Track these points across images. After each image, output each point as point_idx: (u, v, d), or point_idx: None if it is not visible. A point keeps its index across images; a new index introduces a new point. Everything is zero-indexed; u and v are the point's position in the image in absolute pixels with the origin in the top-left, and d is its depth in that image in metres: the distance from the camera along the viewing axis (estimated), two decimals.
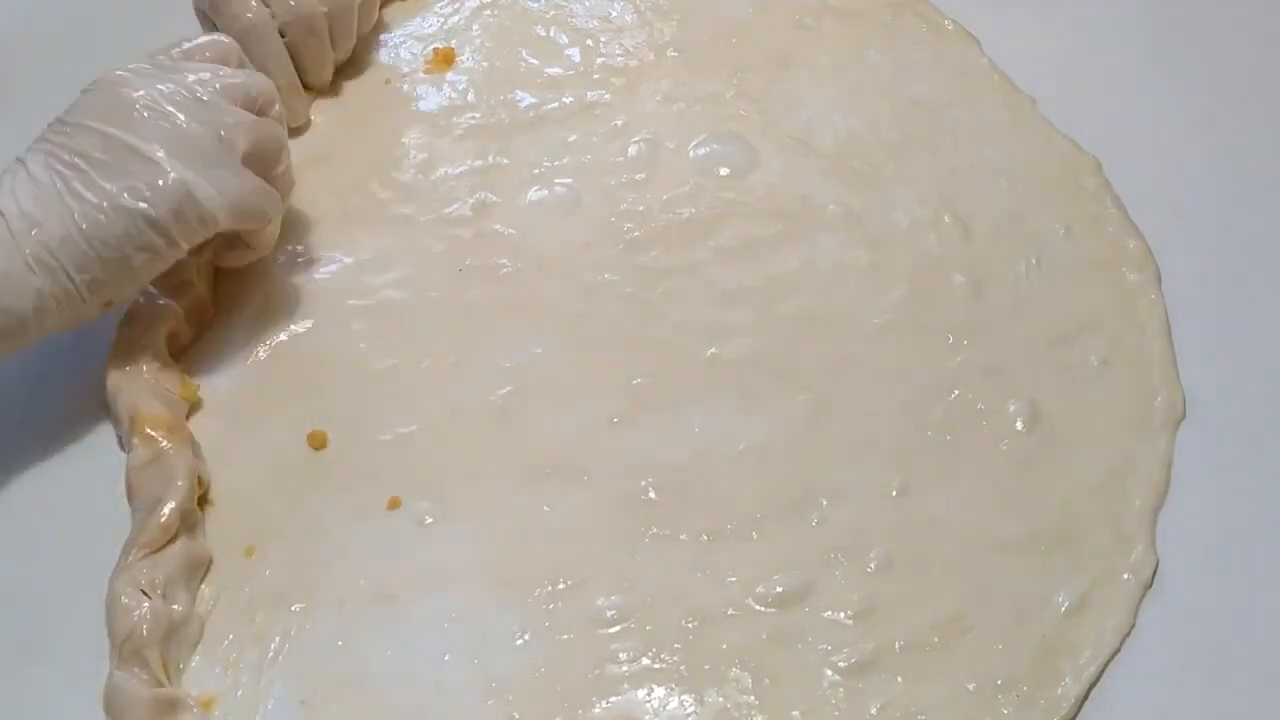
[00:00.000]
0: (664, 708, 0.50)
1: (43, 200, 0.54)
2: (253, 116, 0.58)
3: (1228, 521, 0.55)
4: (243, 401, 0.59)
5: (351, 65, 0.73)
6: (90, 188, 0.54)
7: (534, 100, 0.71)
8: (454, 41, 0.74)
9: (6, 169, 0.55)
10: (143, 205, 0.54)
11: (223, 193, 0.56)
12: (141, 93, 0.56)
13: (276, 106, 0.61)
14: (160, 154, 0.54)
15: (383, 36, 0.75)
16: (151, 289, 0.60)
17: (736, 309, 0.62)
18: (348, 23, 0.70)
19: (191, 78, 0.57)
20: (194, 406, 0.59)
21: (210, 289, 0.62)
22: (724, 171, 0.67)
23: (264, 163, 0.59)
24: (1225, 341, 0.60)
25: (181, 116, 0.56)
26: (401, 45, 0.74)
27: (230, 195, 0.56)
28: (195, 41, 0.61)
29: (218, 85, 0.58)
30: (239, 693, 0.50)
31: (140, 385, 0.57)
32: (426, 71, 0.73)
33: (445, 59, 0.73)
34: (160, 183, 0.54)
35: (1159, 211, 0.64)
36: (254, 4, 0.66)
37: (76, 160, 0.54)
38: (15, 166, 0.55)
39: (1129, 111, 0.69)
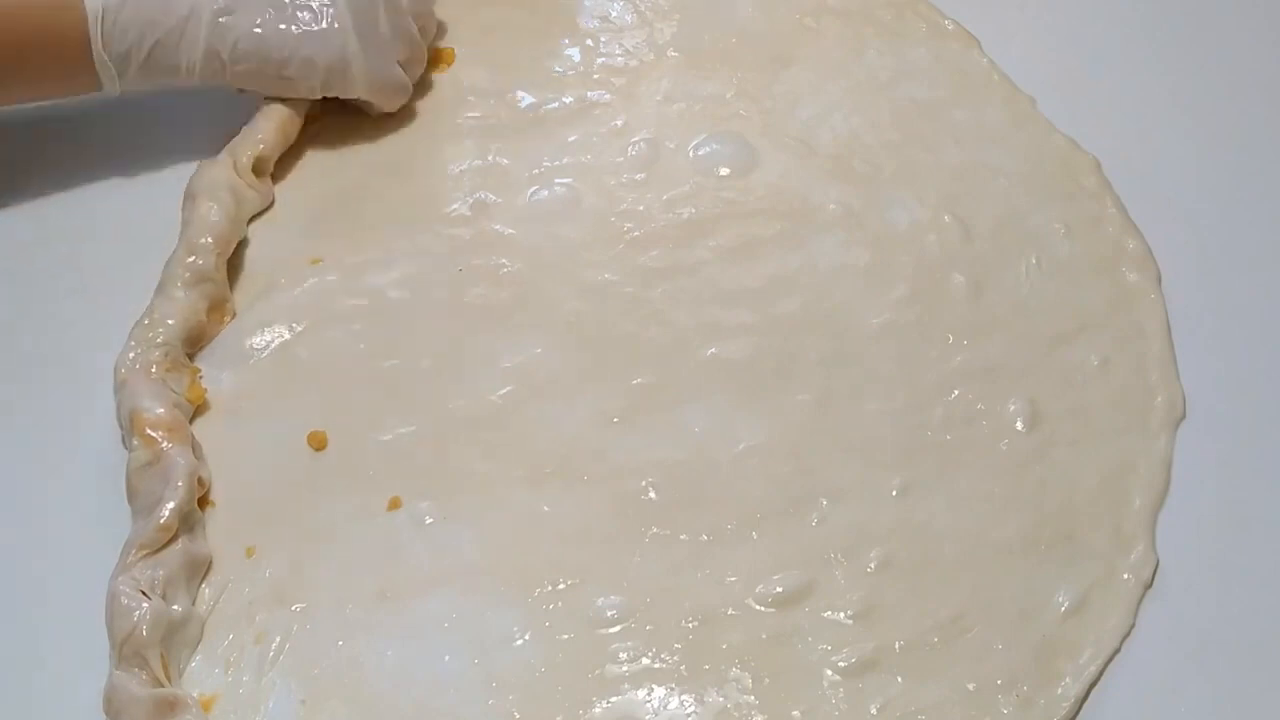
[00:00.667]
0: (664, 707, 0.50)
1: None
2: (416, 34, 0.68)
3: (1228, 521, 0.55)
4: (243, 401, 0.59)
5: None
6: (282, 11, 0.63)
7: (534, 100, 0.71)
8: (452, 40, 0.74)
9: None
10: (308, 50, 0.64)
11: (371, 69, 0.65)
12: None
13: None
14: (350, 29, 0.64)
15: None
16: (174, 282, 0.60)
17: (736, 309, 0.62)
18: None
19: None
20: (200, 408, 0.58)
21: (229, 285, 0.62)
22: (724, 171, 0.67)
23: (407, 67, 0.68)
24: (1225, 341, 0.60)
25: (382, 13, 0.65)
26: None
27: (375, 75, 0.66)
28: None
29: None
30: (239, 692, 0.50)
31: (145, 384, 0.56)
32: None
33: (443, 58, 0.73)
34: (334, 44, 0.64)
35: (1159, 211, 0.65)
36: None
37: None
38: None
39: (1129, 111, 0.69)
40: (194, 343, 0.60)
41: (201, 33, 0.62)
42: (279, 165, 0.67)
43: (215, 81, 0.64)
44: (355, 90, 0.66)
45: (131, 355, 0.57)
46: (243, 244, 0.64)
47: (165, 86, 0.64)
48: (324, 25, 0.64)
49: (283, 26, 0.63)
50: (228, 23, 0.62)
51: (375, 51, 0.65)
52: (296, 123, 0.67)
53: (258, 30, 0.63)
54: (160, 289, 0.60)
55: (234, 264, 0.64)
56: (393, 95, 0.68)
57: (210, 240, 0.61)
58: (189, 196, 0.63)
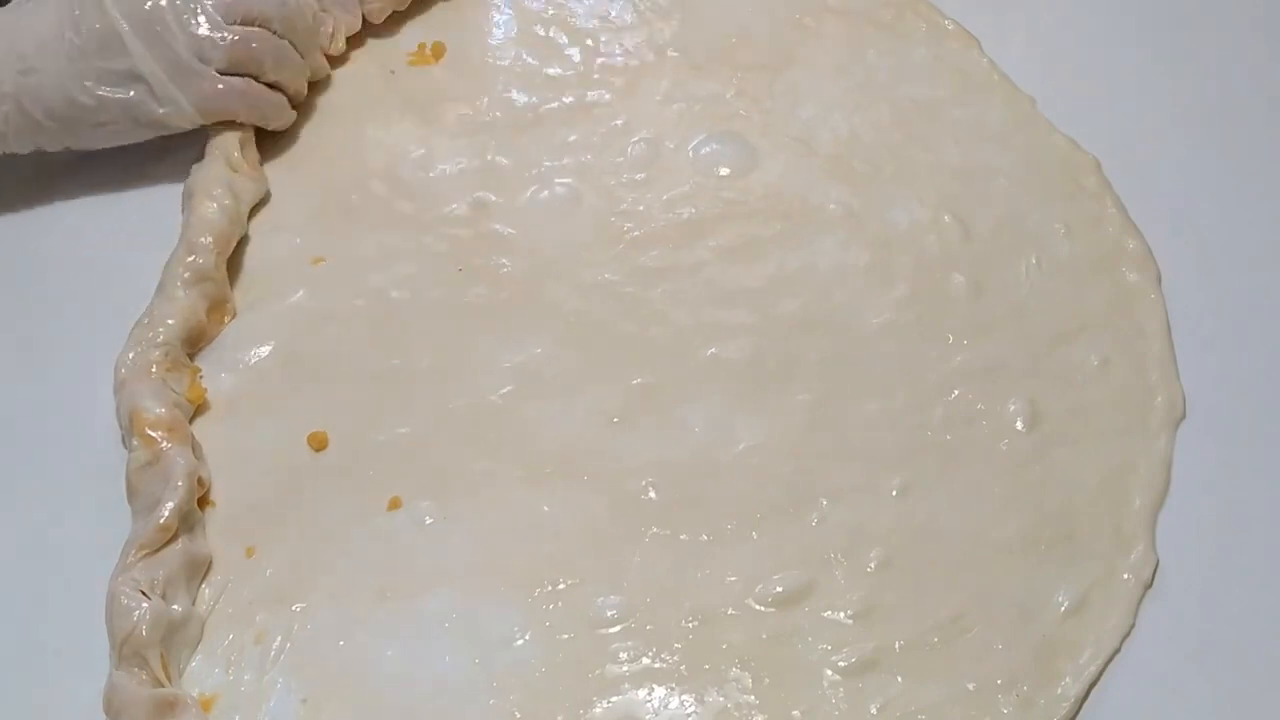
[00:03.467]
0: (664, 707, 0.50)
1: (37, 38, 0.61)
2: (239, 33, 0.64)
3: (1228, 521, 0.55)
4: (243, 401, 0.59)
5: (348, 61, 0.73)
6: (79, 60, 0.61)
7: (533, 100, 0.71)
8: (450, 39, 0.74)
9: None
10: (119, 96, 0.62)
11: (190, 100, 0.63)
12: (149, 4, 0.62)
13: (274, 22, 0.65)
14: (146, 66, 0.62)
15: (381, 34, 0.75)
16: (174, 282, 0.60)
17: (736, 309, 0.62)
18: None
19: None
20: (200, 408, 0.58)
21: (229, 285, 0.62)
22: (724, 171, 0.67)
23: (249, 69, 0.65)
24: (1225, 341, 0.60)
25: (176, 31, 0.62)
26: (398, 42, 0.74)
27: (195, 100, 0.64)
28: None
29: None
30: (240, 692, 0.50)
31: (145, 384, 0.56)
32: (412, 64, 0.72)
33: (435, 53, 0.73)
34: (143, 85, 0.62)
35: (1159, 211, 0.64)
36: None
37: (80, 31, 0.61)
38: None
39: (1129, 111, 0.69)
40: (194, 342, 0.60)
41: (8, 93, 0.61)
42: (279, 165, 0.67)
43: (35, 148, 0.64)
44: (187, 121, 0.64)
45: (131, 355, 0.57)
46: (243, 243, 0.64)
47: None
48: (118, 65, 0.62)
49: (84, 78, 0.62)
50: (31, 83, 0.61)
51: (184, 75, 0.63)
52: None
53: (60, 90, 0.62)
54: (160, 289, 0.60)
55: (234, 263, 0.64)
56: (237, 112, 0.65)
57: (210, 239, 0.61)
58: (187, 195, 0.63)
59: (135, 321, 0.59)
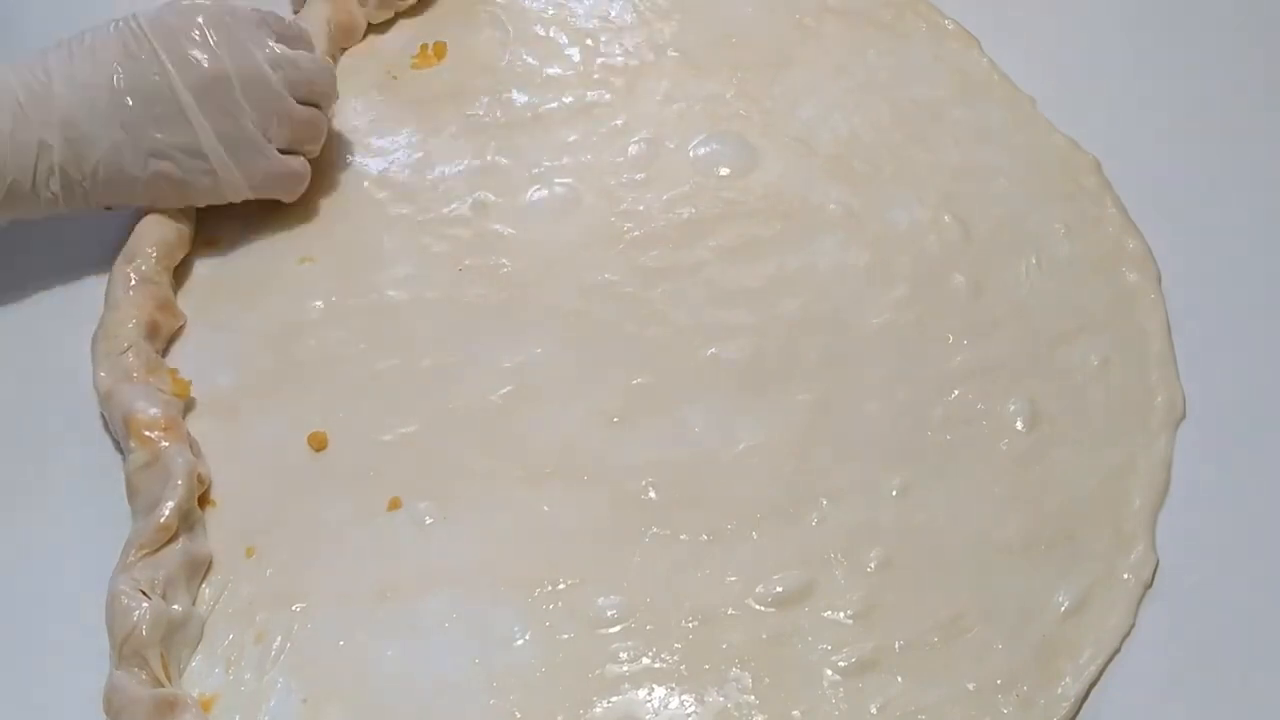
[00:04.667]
0: (664, 707, 0.50)
1: (90, 102, 0.58)
2: (305, 114, 0.63)
3: (1228, 521, 0.55)
4: (243, 401, 0.59)
5: (347, 61, 0.73)
6: (135, 130, 0.59)
7: (533, 100, 0.71)
8: (450, 39, 0.74)
9: (72, 36, 0.60)
10: (170, 168, 0.60)
11: (248, 177, 0.62)
12: (224, 64, 0.60)
13: (332, 104, 0.65)
14: (206, 137, 0.60)
15: (382, 32, 0.75)
16: (118, 289, 0.60)
17: (736, 309, 0.62)
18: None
19: (265, 55, 0.61)
20: (188, 404, 0.58)
21: (172, 285, 0.62)
22: (724, 171, 0.67)
23: (301, 146, 0.64)
24: (1225, 341, 0.60)
25: (242, 102, 0.60)
26: (399, 44, 0.74)
27: (254, 179, 0.62)
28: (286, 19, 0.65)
29: (292, 75, 0.62)
30: (240, 691, 0.50)
31: (132, 388, 0.56)
32: (415, 66, 0.73)
33: (437, 53, 0.73)
34: (197, 156, 0.60)
35: (1159, 211, 0.64)
36: None
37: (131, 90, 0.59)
38: (81, 40, 0.59)
39: (1129, 111, 0.69)
40: (156, 341, 0.60)
41: (54, 165, 0.58)
42: None
43: (82, 206, 0.60)
44: (235, 195, 0.63)
45: (103, 374, 0.57)
46: (242, 243, 0.64)
47: (32, 216, 0.60)
48: (178, 139, 0.60)
49: (140, 144, 0.59)
50: (80, 151, 0.58)
51: (248, 151, 0.61)
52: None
53: (113, 155, 0.59)
54: (106, 300, 0.60)
55: (234, 263, 0.64)
56: (285, 186, 0.64)
57: (153, 249, 0.61)
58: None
59: (91, 338, 0.59)
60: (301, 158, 0.64)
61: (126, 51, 0.59)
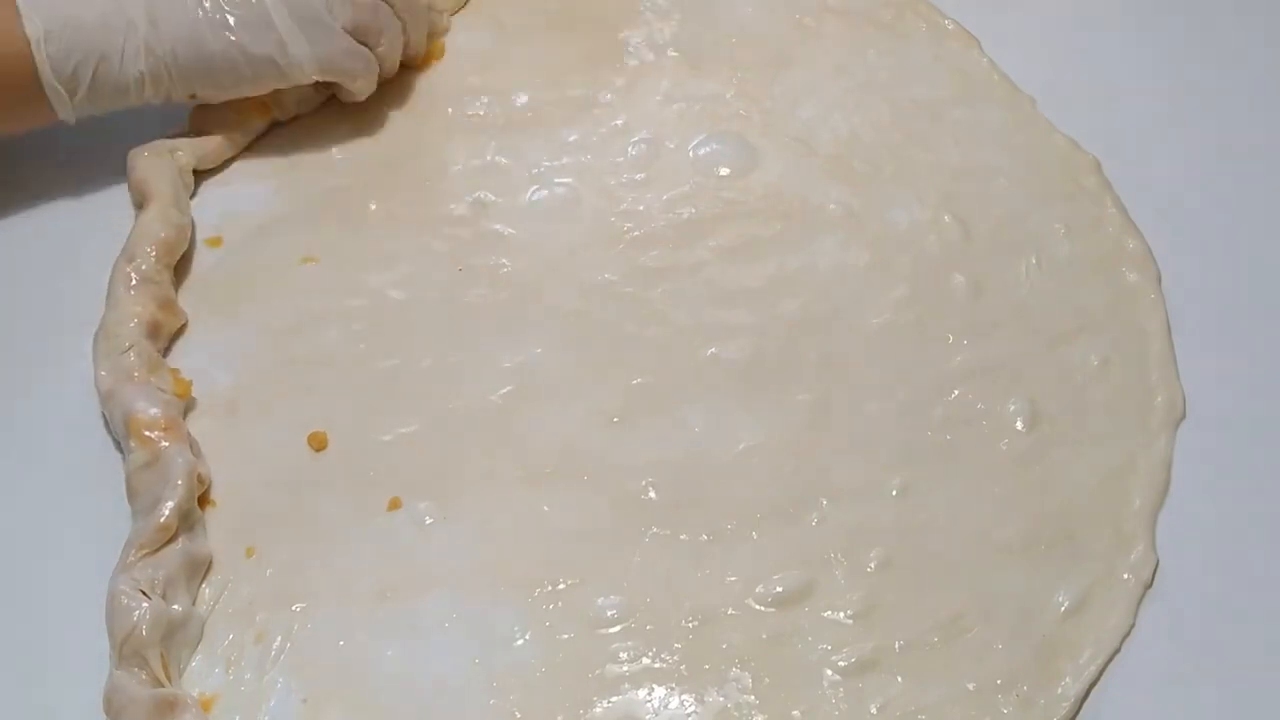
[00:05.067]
0: (664, 707, 0.50)
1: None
2: (366, 2, 0.65)
3: (1228, 521, 0.55)
4: (243, 401, 0.59)
5: None
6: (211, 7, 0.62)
7: (533, 100, 0.71)
8: (449, 39, 0.74)
9: None
10: (245, 40, 0.62)
11: (315, 51, 0.64)
12: None
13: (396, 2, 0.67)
14: (274, 4, 0.62)
15: None
16: (119, 288, 0.60)
17: (736, 309, 0.62)
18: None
19: None
20: (189, 404, 0.58)
21: (173, 283, 0.62)
22: (724, 171, 0.67)
23: (367, 36, 0.66)
24: (1225, 341, 0.60)
25: None
26: None
27: (320, 54, 0.64)
28: None
29: None
30: (240, 691, 0.50)
31: (133, 388, 0.56)
32: (417, 67, 0.73)
33: (437, 53, 0.73)
34: (266, 28, 0.62)
35: (1159, 211, 0.65)
36: None
37: None
38: None
39: (1129, 111, 0.69)
40: (157, 341, 0.60)
41: (140, 45, 0.61)
42: (280, 164, 0.67)
43: (164, 96, 0.64)
44: (304, 75, 0.65)
45: (104, 373, 0.57)
46: (243, 243, 0.64)
47: (118, 106, 0.63)
48: (251, 13, 0.62)
49: (216, 18, 0.62)
50: (163, 29, 0.61)
51: (313, 26, 0.64)
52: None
53: (192, 31, 0.62)
54: (108, 299, 0.60)
55: (236, 263, 0.64)
56: (353, 73, 0.67)
57: (152, 249, 0.61)
58: (135, 206, 0.64)
59: (93, 337, 0.58)
60: (368, 50, 0.66)
61: None
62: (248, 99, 0.66)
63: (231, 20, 0.62)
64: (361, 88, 0.68)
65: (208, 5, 0.62)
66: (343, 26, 0.64)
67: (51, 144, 0.67)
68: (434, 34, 0.73)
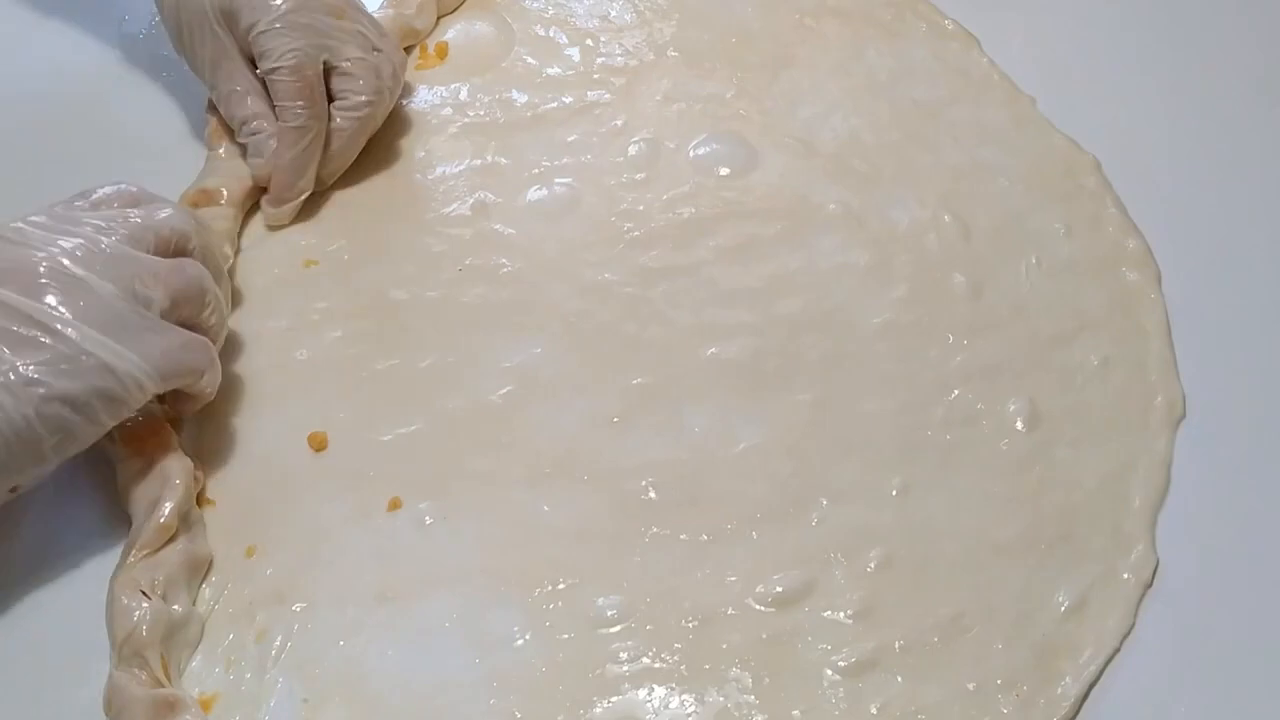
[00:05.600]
0: (664, 707, 0.50)
1: None
2: (167, 263, 0.53)
3: (1228, 521, 0.55)
4: (242, 401, 0.59)
5: None
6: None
7: (533, 100, 0.71)
8: (450, 39, 0.74)
9: None
10: (60, 384, 0.48)
11: (146, 358, 0.50)
12: (42, 253, 0.50)
13: (193, 241, 0.55)
14: (70, 327, 0.48)
15: None
16: None
17: (736, 309, 0.62)
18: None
19: (91, 227, 0.51)
20: (201, 408, 0.58)
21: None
22: (724, 171, 0.67)
23: (189, 309, 0.53)
24: (1225, 341, 0.60)
25: (88, 276, 0.49)
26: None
27: (155, 360, 0.50)
28: (100, 192, 0.55)
29: (123, 232, 0.52)
30: (240, 691, 0.50)
31: None
32: (419, 68, 0.73)
33: (439, 54, 0.73)
34: (75, 359, 0.48)
35: (1159, 211, 0.65)
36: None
37: None
38: None
39: (1129, 111, 0.69)
40: None
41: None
42: None
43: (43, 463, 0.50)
44: (143, 393, 0.51)
45: None
46: (245, 245, 0.64)
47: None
48: (64, 349, 0.48)
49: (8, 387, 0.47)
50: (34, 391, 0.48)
51: (131, 331, 0.50)
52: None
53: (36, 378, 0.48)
54: None
55: (234, 265, 0.64)
56: (198, 368, 0.53)
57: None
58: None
59: None
60: (199, 335, 0.54)
61: None
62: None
63: (28, 374, 0.47)
64: (209, 383, 0.55)
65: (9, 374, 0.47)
66: (161, 313, 0.52)
67: None
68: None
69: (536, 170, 0.67)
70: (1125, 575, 0.53)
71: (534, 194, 0.67)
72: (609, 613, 0.52)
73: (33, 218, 0.52)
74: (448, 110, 0.70)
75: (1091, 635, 0.51)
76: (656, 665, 0.51)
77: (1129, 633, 0.51)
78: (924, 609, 0.52)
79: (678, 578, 0.53)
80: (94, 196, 0.55)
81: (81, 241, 0.51)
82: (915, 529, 0.54)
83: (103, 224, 0.52)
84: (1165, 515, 0.55)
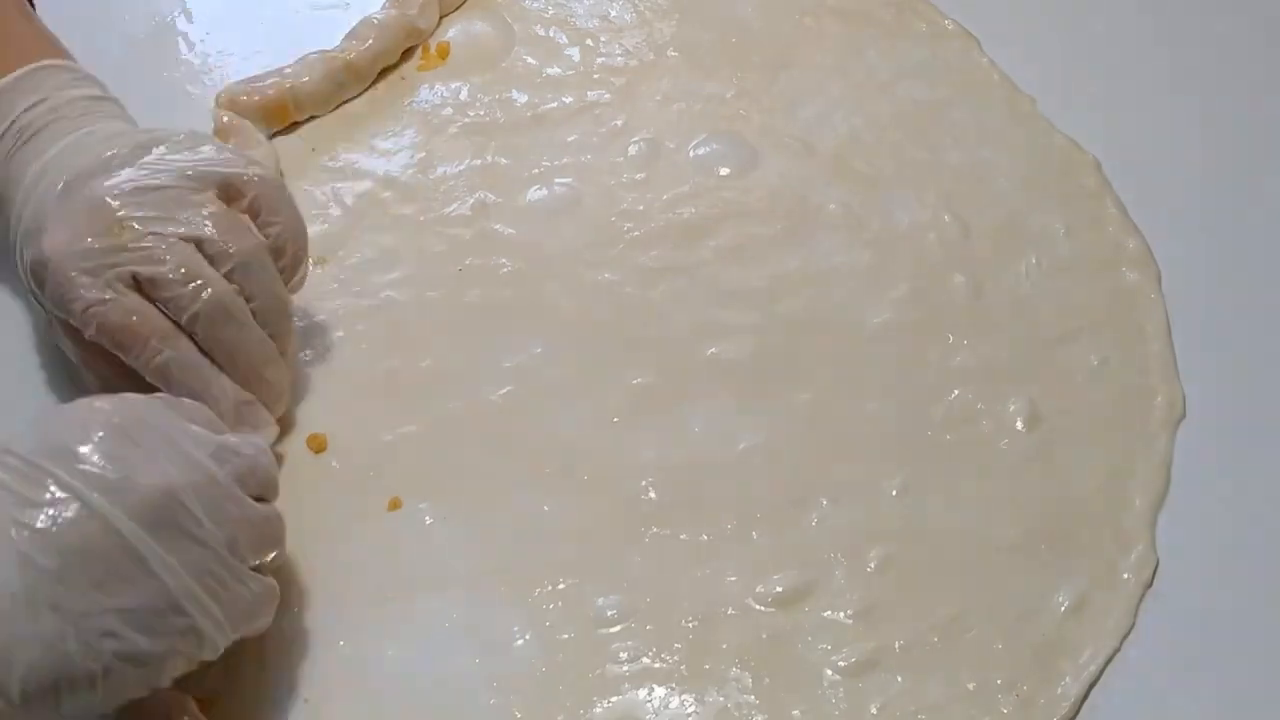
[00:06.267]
0: (664, 707, 0.50)
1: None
2: (263, 513, 0.47)
3: (1228, 521, 0.55)
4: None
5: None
6: (52, 592, 0.40)
7: (533, 100, 0.71)
8: (451, 39, 0.74)
9: None
10: (140, 642, 0.41)
11: (230, 617, 0.44)
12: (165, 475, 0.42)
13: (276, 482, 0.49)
14: (172, 575, 0.42)
15: None
16: None
17: (736, 309, 0.62)
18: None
19: (199, 447, 0.45)
20: None
21: None
22: (724, 171, 0.67)
23: (264, 559, 0.47)
24: (1225, 342, 0.60)
25: (206, 523, 0.43)
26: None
27: (236, 619, 0.45)
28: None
29: (234, 469, 0.46)
30: (241, 691, 0.50)
31: None
32: (420, 69, 0.73)
33: (440, 54, 0.73)
34: (164, 615, 0.42)
35: (1159, 211, 0.65)
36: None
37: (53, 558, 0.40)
38: None
39: (1129, 111, 0.69)
40: None
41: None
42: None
43: None
44: (214, 651, 0.45)
45: None
46: None
47: None
48: (140, 597, 0.41)
49: (79, 628, 0.40)
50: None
51: (224, 582, 0.44)
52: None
53: (43, 652, 0.40)
54: None
55: None
56: (263, 614, 0.47)
57: None
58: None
59: None
60: (270, 578, 0.47)
61: (17, 499, 0.41)
62: (270, 101, 0.67)
63: (109, 622, 0.41)
64: (263, 626, 0.48)
65: (62, 607, 0.40)
66: (251, 563, 0.46)
67: None
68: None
69: (537, 170, 0.67)
70: (1125, 575, 0.53)
71: (534, 194, 0.67)
72: (609, 613, 0.52)
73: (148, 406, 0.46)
74: (448, 110, 0.70)
75: (1091, 635, 0.51)
76: (656, 665, 0.51)
77: (1129, 633, 0.51)
78: (924, 609, 0.52)
79: (678, 578, 0.53)
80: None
81: (196, 466, 0.44)
82: (915, 529, 0.54)
83: (209, 440, 0.46)
84: (1165, 515, 0.55)
